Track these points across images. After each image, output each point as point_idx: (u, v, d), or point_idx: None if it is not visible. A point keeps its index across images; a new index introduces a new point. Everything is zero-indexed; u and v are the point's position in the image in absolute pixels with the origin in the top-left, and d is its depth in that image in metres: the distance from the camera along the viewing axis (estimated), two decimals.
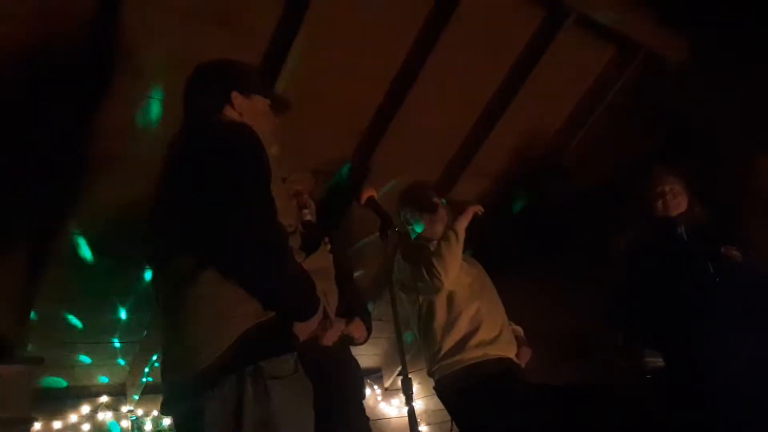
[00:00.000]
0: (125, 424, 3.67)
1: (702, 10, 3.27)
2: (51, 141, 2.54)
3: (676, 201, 2.67)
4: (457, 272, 2.50)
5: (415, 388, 1.88)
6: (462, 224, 2.57)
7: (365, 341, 2.53)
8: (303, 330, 1.46)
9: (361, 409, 2.58)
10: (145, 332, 3.56)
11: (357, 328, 2.38)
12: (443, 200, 2.80)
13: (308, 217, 2.39)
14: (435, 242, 2.64)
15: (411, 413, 1.74)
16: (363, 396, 2.65)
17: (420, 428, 4.11)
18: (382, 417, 4.52)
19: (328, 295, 1.55)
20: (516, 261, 4.06)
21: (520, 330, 2.74)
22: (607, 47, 3.57)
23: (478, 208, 2.66)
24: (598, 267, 3.66)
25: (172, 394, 1.43)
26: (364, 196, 2.12)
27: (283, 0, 2.66)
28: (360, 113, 3.29)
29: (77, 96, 2.47)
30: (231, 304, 1.35)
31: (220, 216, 1.32)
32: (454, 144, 3.69)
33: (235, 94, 1.58)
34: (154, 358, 3.66)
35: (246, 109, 1.59)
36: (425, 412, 4.35)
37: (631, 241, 2.81)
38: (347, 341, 2.45)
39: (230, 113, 1.57)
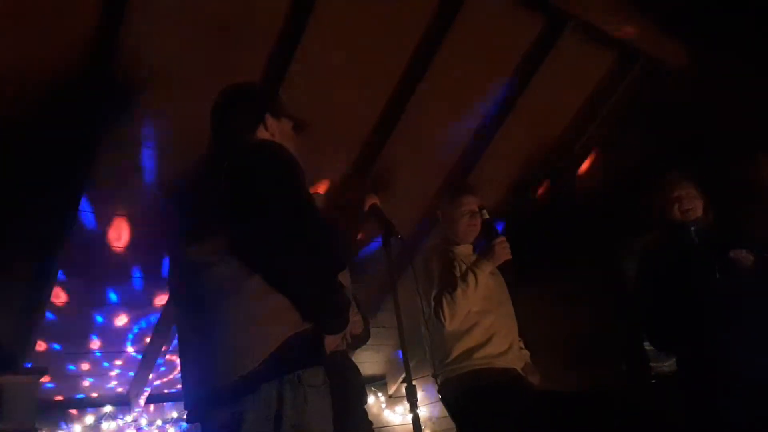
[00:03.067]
0: None
1: (701, 15, 3.29)
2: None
3: (692, 205, 2.66)
4: (465, 315, 2.44)
5: (420, 395, 1.88)
6: (486, 269, 2.47)
7: (364, 336, 2.56)
8: (331, 343, 1.55)
9: (365, 414, 2.58)
10: (149, 341, 3.56)
11: (354, 323, 2.40)
12: (484, 210, 2.66)
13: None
14: (459, 248, 2.64)
15: (416, 420, 1.74)
16: (365, 402, 2.65)
17: None
18: (386, 424, 4.51)
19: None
20: (520, 269, 4.06)
21: (528, 355, 2.70)
22: (607, 54, 3.59)
23: (508, 255, 2.53)
24: (603, 274, 3.67)
25: (205, 400, 1.44)
26: (367, 203, 2.13)
27: (284, 12, 2.68)
28: (362, 121, 3.31)
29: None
30: (274, 313, 1.41)
31: (277, 226, 1.40)
32: (456, 151, 3.70)
33: (268, 116, 1.68)
34: (159, 362, 3.66)
35: (276, 130, 1.69)
36: (430, 419, 4.34)
37: (646, 246, 2.81)
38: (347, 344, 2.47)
39: (263, 134, 1.67)
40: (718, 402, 2.38)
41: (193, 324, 1.52)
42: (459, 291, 2.40)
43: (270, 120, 1.68)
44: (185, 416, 1.52)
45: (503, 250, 2.51)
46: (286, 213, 1.41)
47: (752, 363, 2.33)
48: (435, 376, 2.51)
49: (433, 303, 2.42)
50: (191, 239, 1.56)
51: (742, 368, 2.34)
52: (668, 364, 3.45)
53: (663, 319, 2.60)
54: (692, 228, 2.61)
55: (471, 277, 2.43)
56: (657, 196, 2.73)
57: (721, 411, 2.37)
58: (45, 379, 3.28)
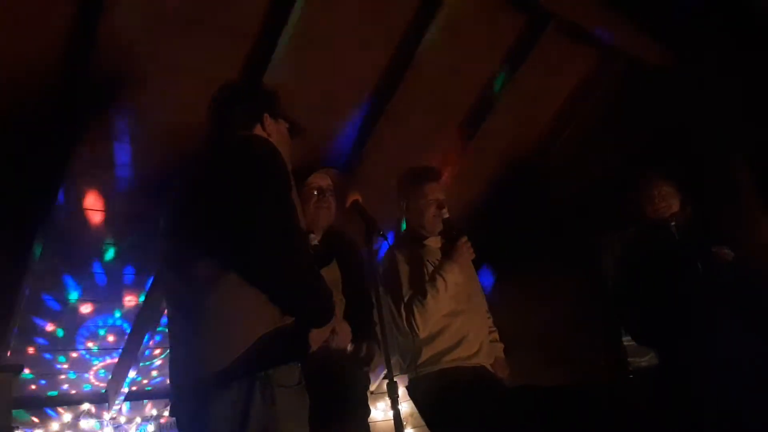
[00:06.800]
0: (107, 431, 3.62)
1: (682, 15, 3.33)
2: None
3: (666, 203, 2.70)
4: (436, 320, 2.38)
5: (401, 391, 1.87)
6: (453, 271, 2.39)
7: (347, 348, 2.43)
8: (317, 338, 1.51)
9: (365, 425, 2.33)
10: (127, 338, 3.52)
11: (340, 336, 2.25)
12: (444, 210, 2.52)
13: (324, 222, 2.29)
14: (430, 241, 2.57)
15: (397, 416, 1.75)
16: (368, 413, 2.38)
17: (405, 431, 4.11)
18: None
19: (336, 305, 1.60)
20: (501, 264, 4.09)
21: (501, 348, 2.67)
22: (589, 52, 3.62)
23: (472, 255, 2.47)
24: (581, 271, 3.70)
25: (181, 396, 1.46)
26: (349, 199, 2.11)
27: (266, 2, 2.66)
28: (344, 116, 3.30)
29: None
30: (250, 309, 1.39)
31: (250, 221, 1.38)
32: (439, 147, 3.71)
33: (266, 116, 1.69)
34: (138, 359, 3.63)
35: (273, 131, 1.70)
36: (411, 415, 4.35)
37: (625, 243, 2.85)
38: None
39: (259, 132, 1.67)
40: (702, 394, 2.42)
41: (177, 319, 1.53)
42: (429, 298, 2.33)
43: (268, 120, 1.69)
44: (168, 409, 1.53)
45: (468, 250, 2.45)
46: (262, 207, 1.39)
47: (733, 355, 2.38)
48: (402, 372, 2.47)
49: (404, 312, 2.36)
50: (172, 234, 1.56)
51: (724, 361, 2.39)
52: (646, 359, 3.51)
53: (646, 314, 2.64)
54: (672, 224, 2.66)
55: (440, 282, 2.36)
56: (634, 194, 2.78)
57: (704, 403, 2.41)
58: (21, 376, 3.23)
